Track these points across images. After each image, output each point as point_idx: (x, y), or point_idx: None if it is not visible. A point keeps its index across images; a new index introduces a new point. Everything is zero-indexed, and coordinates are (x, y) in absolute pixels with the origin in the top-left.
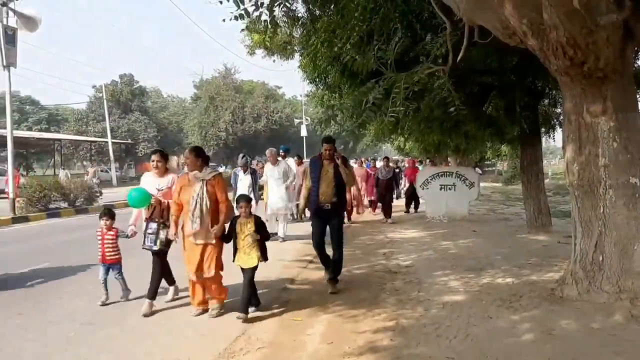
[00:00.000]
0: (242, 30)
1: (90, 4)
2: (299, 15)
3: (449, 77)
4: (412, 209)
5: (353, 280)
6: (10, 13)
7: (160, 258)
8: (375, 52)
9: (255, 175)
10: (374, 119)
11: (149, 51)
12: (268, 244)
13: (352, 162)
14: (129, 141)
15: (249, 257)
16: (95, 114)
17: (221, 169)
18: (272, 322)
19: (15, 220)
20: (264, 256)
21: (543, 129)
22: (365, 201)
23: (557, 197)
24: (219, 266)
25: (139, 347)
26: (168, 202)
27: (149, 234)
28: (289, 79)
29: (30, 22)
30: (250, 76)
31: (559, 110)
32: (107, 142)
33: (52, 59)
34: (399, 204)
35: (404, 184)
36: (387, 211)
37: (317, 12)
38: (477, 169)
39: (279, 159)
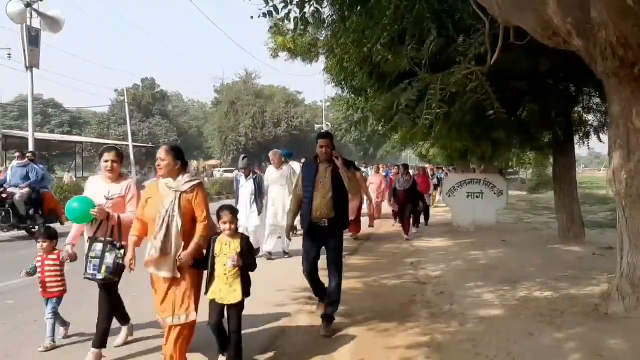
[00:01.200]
0: (271, 28)
1: (114, 8)
2: (327, 17)
3: (486, 79)
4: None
5: (381, 291)
6: (34, 14)
7: (107, 291)
8: (408, 52)
9: (259, 180)
10: (407, 122)
11: (172, 55)
12: (277, 262)
13: (367, 169)
14: (150, 145)
15: (231, 289)
16: (117, 118)
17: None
18: (298, 335)
19: None
20: (245, 290)
21: (576, 136)
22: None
23: (585, 206)
24: (195, 308)
25: None
26: (119, 216)
27: (92, 257)
28: (309, 84)
29: (53, 23)
30: (271, 81)
31: (591, 117)
32: (128, 145)
33: (75, 63)
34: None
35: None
36: (406, 226)
37: (346, 12)
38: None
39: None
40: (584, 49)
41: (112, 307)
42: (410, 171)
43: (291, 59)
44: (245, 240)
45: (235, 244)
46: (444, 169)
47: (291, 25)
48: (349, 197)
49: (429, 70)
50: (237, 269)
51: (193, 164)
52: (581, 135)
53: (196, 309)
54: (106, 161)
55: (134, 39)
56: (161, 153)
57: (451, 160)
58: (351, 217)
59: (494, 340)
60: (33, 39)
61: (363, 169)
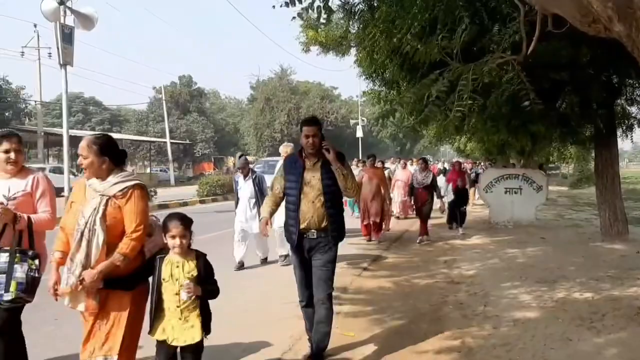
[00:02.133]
0: (293, 18)
1: (153, 7)
2: (356, 8)
3: (522, 68)
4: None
5: (412, 291)
6: (68, 12)
7: (11, 322)
8: (439, 41)
9: (260, 181)
10: (438, 115)
11: (209, 52)
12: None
13: (395, 164)
14: (187, 142)
15: (186, 325)
16: (155, 115)
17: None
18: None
19: None
20: (205, 326)
21: (619, 129)
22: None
23: (629, 202)
24: (130, 348)
25: None
26: (29, 217)
27: None
28: (345, 79)
29: (86, 21)
30: (306, 77)
31: (635, 109)
32: (165, 142)
33: (115, 61)
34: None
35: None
36: (423, 228)
37: (375, 2)
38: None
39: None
40: (626, 36)
41: (8, 348)
42: (445, 165)
43: (323, 52)
44: (202, 259)
45: (190, 266)
46: (482, 163)
47: (315, 15)
48: (372, 195)
49: (460, 60)
50: (189, 299)
51: (230, 160)
52: (624, 128)
53: (131, 353)
54: (6, 151)
55: (172, 38)
56: (81, 148)
57: (489, 155)
58: (375, 219)
59: (529, 345)
60: (67, 37)
61: (388, 165)
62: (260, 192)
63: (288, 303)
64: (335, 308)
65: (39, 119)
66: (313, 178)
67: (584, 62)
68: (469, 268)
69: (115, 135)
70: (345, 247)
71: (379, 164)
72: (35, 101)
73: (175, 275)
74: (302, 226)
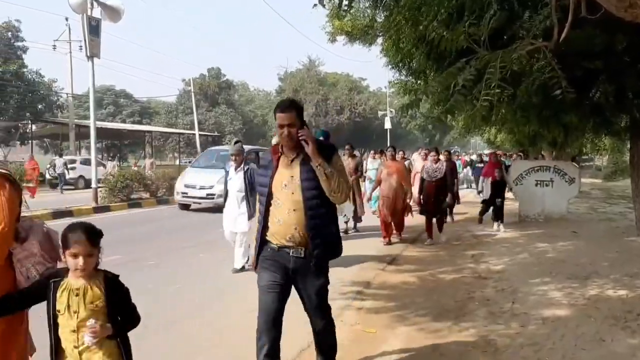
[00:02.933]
0: (314, 6)
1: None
2: None
3: (553, 56)
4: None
5: (437, 286)
6: (95, 4)
7: None
8: (466, 28)
9: (251, 174)
10: (464, 105)
11: (238, 45)
12: None
13: (415, 154)
14: (215, 133)
15: None
16: (184, 107)
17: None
18: (342, 334)
19: (97, 209)
20: None
21: None
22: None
23: None
24: None
25: None
26: None
27: None
28: (374, 70)
29: (113, 13)
30: (335, 69)
31: None
32: (194, 134)
33: (145, 54)
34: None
35: (482, 185)
36: (429, 228)
37: None
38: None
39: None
40: None
41: None
42: (473, 157)
43: (349, 42)
44: (112, 282)
45: (95, 294)
46: (513, 155)
47: (337, 1)
48: (392, 193)
49: (488, 48)
50: (95, 338)
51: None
52: None
53: None
54: None
55: (202, 30)
56: None
57: (520, 146)
58: (394, 219)
59: (559, 346)
60: (93, 29)
61: (414, 157)
62: (250, 188)
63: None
64: (358, 303)
65: (70, 112)
66: (291, 179)
67: (619, 49)
68: (497, 263)
69: (145, 128)
70: (368, 242)
71: (399, 155)
72: (67, 94)
73: (73, 306)
74: (277, 240)
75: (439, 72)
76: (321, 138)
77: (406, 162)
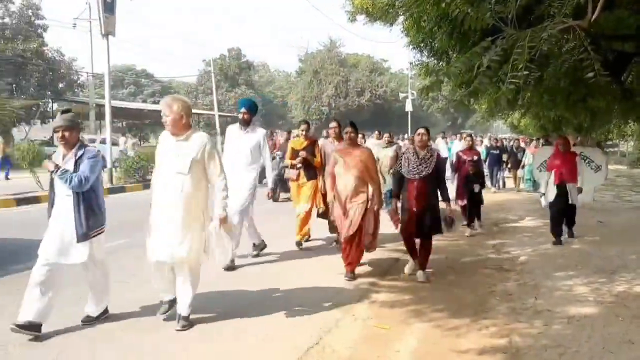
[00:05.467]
0: None
1: None
2: None
3: (585, 36)
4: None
5: (456, 278)
6: None
7: None
8: (492, 5)
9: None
10: (488, 87)
11: (259, 24)
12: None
13: (439, 138)
14: (235, 114)
15: None
16: (205, 87)
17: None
18: (353, 330)
19: (112, 190)
20: None
21: None
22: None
23: None
24: None
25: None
26: None
27: None
28: (396, 51)
29: None
30: (356, 50)
31: None
32: (214, 114)
33: (166, 32)
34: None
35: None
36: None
37: None
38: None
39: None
40: None
41: None
42: (487, 142)
43: (369, 22)
44: None
45: None
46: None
47: None
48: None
49: (516, 27)
50: None
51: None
52: None
53: None
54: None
55: (223, 10)
56: None
57: (544, 132)
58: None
59: (585, 348)
60: (108, 6)
61: (437, 141)
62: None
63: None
64: (371, 296)
65: (90, 91)
66: None
67: None
68: (519, 254)
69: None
70: (384, 229)
71: (382, 139)
72: (87, 73)
73: None
74: None
75: (463, 52)
76: (242, 110)
77: (392, 149)
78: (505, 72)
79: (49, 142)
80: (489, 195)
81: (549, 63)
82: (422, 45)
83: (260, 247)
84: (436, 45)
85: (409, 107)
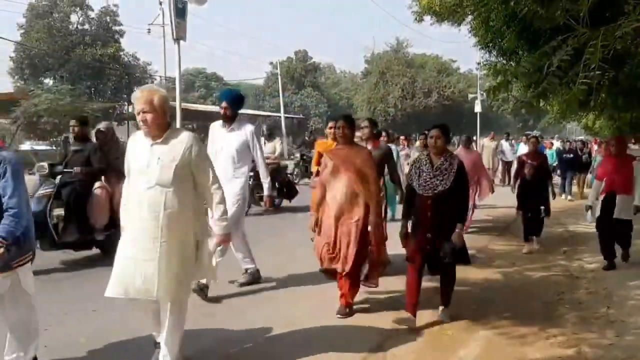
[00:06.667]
0: None
1: None
2: None
3: None
4: None
5: (524, 285)
6: None
7: None
8: (563, 3)
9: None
10: (559, 88)
11: (325, 26)
12: None
13: (486, 140)
14: (301, 116)
15: None
16: (271, 90)
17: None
18: (415, 335)
19: None
20: None
21: None
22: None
23: None
24: None
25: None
26: None
27: None
28: (464, 51)
29: None
30: (424, 50)
31: None
32: (280, 117)
33: (235, 36)
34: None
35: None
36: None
37: None
38: None
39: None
40: None
41: None
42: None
43: (437, 22)
44: None
45: None
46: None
47: None
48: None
49: (588, 25)
50: None
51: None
52: None
53: None
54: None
55: (292, 14)
56: None
57: (621, 133)
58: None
59: None
60: (180, 12)
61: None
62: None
63: None
64: (436, 301)
65: None
66: None
67: None
68: (591, 261)
69: None
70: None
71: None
72: (160, 76)
73: None
74: None
75: (532, 52)
76: (223, 104)
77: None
78: (577, 73)
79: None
80: (561, 202)
81: (625, 63)
82: (490, 45)
83: (253, 276)
84: (505, 45)
85: (477, 109)
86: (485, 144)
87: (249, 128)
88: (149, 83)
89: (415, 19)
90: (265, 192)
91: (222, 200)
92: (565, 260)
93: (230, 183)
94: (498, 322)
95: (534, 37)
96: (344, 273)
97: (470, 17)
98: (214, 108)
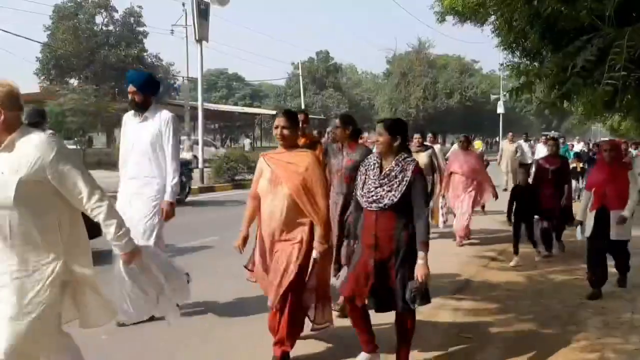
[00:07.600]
0: None
1: None
2: None
3: None
4: None
5: (546, 288)
6: None
7: None
8: (588, 2)
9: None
10: (583, 89)
11: (347, 27)
12: None
13: (505, 141)
14: (322, 117)
15: None
16: (293, 90)
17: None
18: (434, 337)
19: (202, 189)
20: None
21: None
22: None
23: None
24: None
25: None
26: None
27: None
28: (487, 52)
29: None
30: (445, 50)
31: None
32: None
33: (258, 38)
34: None
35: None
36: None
37: None
38: None
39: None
40: None
41: None
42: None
43: (459, 22)
44: None
45: None
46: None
47: None
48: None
49: (614, 24)
50: None
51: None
52: None
53: None
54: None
55: (314, 14)
56: None
57: None
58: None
59: None
60: (202, 13)
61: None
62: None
63: None
64: (454, 303)
65: (184, 94)
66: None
67: None
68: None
69: (253, 110)
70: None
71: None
72: (183, 77)
73: None
74: None
75: (556, 52)
76: (130, 87)
77: (425, 154)
78: (602, 73)
79: None
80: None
81: None
82: (513, 45)
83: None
84: (528, 45)
85: (500, 110)
86: (504, 147)
87: (165, 116)
88: (171, 83)
89: (438, 19)
90: (165, 197)
91: (110, 215)
92: None
93: (146, 187)
94: (520, 325)
95: (558, 37)
96: (278, 307)
97: (493, 17)
98: (236, 108)
